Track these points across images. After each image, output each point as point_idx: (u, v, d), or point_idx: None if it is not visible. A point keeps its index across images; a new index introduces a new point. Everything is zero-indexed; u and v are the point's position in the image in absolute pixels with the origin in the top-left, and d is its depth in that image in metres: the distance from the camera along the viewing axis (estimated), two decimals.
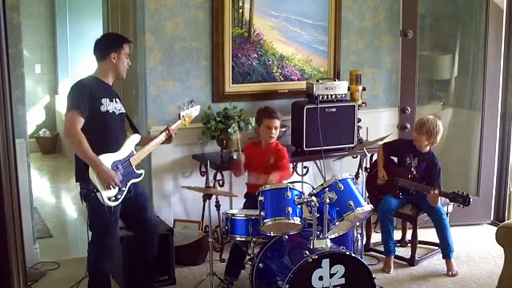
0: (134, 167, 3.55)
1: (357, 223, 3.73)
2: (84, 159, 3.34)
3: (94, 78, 3.54)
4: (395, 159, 4.59)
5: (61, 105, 7.78)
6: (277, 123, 4.10)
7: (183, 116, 3.83)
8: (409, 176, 4.40)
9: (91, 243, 3.57)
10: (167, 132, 3.73)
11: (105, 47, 3.55)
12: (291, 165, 4.76)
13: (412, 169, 4.41)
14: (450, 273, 4.35)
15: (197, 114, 4.00)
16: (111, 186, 3.37)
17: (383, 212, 4.40)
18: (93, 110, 3.40)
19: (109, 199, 3.38)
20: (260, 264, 3.60)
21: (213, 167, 4.38)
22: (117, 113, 3.53)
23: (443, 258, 4.40)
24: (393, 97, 5.35)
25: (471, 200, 4.12)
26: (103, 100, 3.45)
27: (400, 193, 4.43)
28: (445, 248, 4.37)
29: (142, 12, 4.43)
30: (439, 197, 4.24)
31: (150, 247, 3.79)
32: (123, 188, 3.46)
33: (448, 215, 4.49)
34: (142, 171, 3.64)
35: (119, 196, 3.44)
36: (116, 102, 3.56)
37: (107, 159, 3.39)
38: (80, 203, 3.59)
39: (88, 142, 3.33)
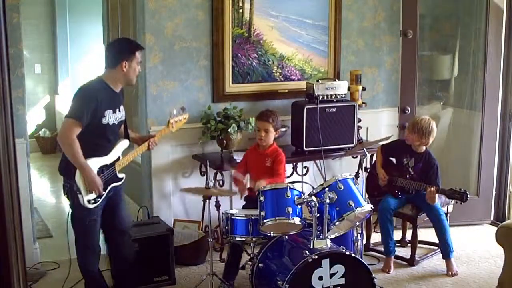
0: (117, 171, 3.58)
1: (357, 223, 3.73)
2: (73, 163, 3.35)
3: (103, 84, 3.47)
4: (394, 160, 4.60)
5: (61, 105, 7.78)
6: (266, 125, 4.04)
7: (172, 123, 3.84)
8: (407, 176, 4.40)
9: (75, 243, 3.60)
10: (150, 142, 3.73)
11: (117, 54, 3.46)
12: (290, 168, 4.77)
13: (410, 169, 4.41)
14: (450, 273, 4.35)
15: (185, 122, 3.97)
16: (93, 191, 3.41)
17: (382, 212, 4.40)
18: (93, 120, 3.38)
19: (88, 201, 3.43)
20: (260, 264, 3.60)
21: (213, 167, 4.38)
22: (116, 123, 3.53)
23: (443, 258, 4.40)
24: (393, 97, 5.34)
25: (468, 196, 4.12)
26: (106, 113, 3.42)
27: (399, 193, 4.43)
28: (445, 248, 4.36)
29: (142, 12, 4.42)
30: (438, 196, 4.25)
31: (126, 245, 3.78)
32: (103, 192, 3.49)
33: (448, 215, 4.49)
34: (123, 175, 3.65)
35: (98, 199, 3.47)
36: (119, 111, 3.54)
37: (94, 163, 3.42)
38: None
39: (81, 144, 3.33)
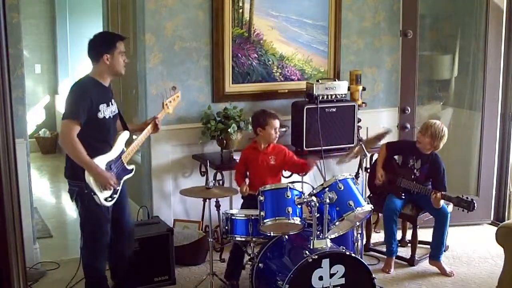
0: (125, 163, 3.58)
1: (357, 223, 3.73)
2: (79, 164, 3.35)
3: (92, 80, 3.48)
4: (397, 158, 4.59)
5: (61, 105, 7.77)
6: (278, 123, 4.13)
7: (166, 104, 3.84)
8: (412, 177, 4.39)
9: (84, 244, 3.58)
10: (153, 122, 3.74)
11: (97, 49, 3.48)
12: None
13: (415, 170, 4.40)
14: (450, 273, 4.33)
15: (179, 100, 3.96)
16: (107, 188, 3.39)
17: (388, 213, 4.38)
18: (90, 117, 3.38)
19: (105, 199, 3.42)
20: (260, 264, 3.60)
21: (213, 167, 4.38)
22: (112, 116, 3.53)
23: (433, 259, 4.36)
24: (393, 97, 5.34)
25: (475, 205, 4.10)
26: (101, 107, 3.43)
27: (403, 194, 4.42)
28: (438, 248, 4.34)
29: (142, 12, 4.42)
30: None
31: (127, 245, 3.78)
32: (118, 187, 3.49)
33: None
34: (132, 166, 3.66)
35: (114, 196, 3.48)
36: (112, 104, 3.54)
37: (101, 161, 3.40)
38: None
39: (83, 145, 3.33)
